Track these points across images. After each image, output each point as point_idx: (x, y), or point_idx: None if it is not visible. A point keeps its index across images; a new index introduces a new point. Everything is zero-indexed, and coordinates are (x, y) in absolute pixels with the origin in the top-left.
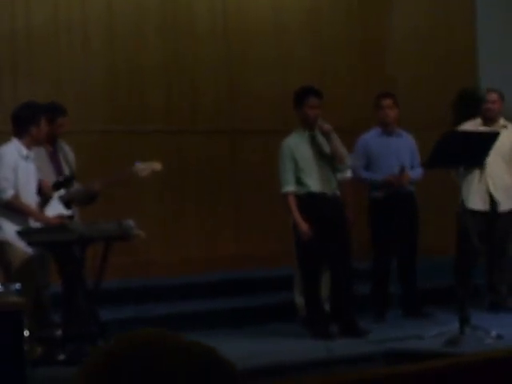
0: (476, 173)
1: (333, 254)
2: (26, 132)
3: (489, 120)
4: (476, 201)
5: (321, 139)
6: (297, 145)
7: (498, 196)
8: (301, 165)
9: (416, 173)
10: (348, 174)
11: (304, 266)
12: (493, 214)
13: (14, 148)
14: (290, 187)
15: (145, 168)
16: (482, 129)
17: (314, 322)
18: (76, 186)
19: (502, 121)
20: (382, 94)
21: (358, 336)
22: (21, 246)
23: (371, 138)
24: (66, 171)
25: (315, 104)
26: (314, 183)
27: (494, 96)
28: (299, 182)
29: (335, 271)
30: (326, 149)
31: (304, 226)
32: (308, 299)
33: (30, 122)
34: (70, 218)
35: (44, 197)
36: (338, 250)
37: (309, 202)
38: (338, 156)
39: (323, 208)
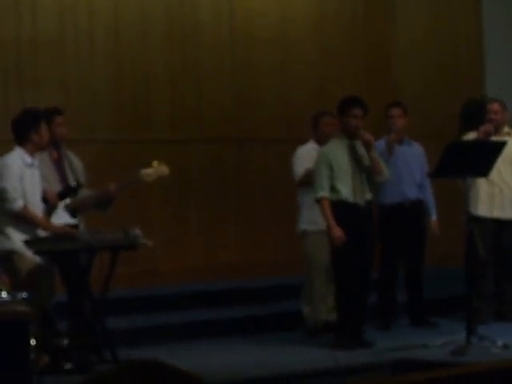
0: (484, 180)
1: (357, 264)
2: (28, 139)
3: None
4: (484, 208)
5: (360, 150)
6: (334, 152)
7: (506, 203)
8: (336, 172)
9: (428, 195)
10: None
11: (338, 273)
12: (501, 221)
13: (18, 157)
14: (325, 193)
15: (152, 173)
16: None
17: (344, 331)
18: (87, 193)
19: (506, 129)
20: (391, 104)
21: (363, 346)
22: (29, 255)
23: (380, 146)
24: (71, 179)
25: (358, 114)
26: (347, 192)
27: (496, 106)
28: (333, 189)
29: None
30: (364, 160)
31: (338, 231)
32: (342, 308)
33: (30, 128)
34: (75, 226)
35: (49, 206)
36: (362, 260)
37: (340, 209)
38: (377, 168)
39: (354, 217)
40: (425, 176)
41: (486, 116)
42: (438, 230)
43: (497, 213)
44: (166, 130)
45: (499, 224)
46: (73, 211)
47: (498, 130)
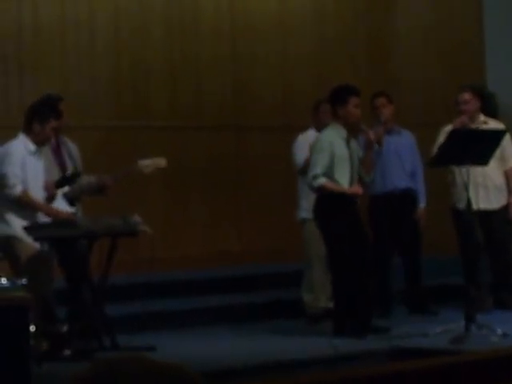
0: (466, 171)
1: (357, 253)
2: (30, 128)
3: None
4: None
5: (353, 143)
6: (337, 142)
7: (489, 193)
8: (337, 163)
9: (419, 183)
10: None
11: (335, 262)
12: (488, 212)
13: (22, 143)
14: (323, 179)
15: (149, 164)
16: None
17: (342, 319)
18: (87, 179)
19: (481, 117)
20: (375, 94)
21: (377, 333)
22: (29, 241)
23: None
24: (70, 167)
25: (359, 104)
26: (346, 183)
27: (466, 96)
28: (333, 179)
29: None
30: (357, 154)
31: (352, 189)
32: (338, 296)
33: (34, 118)
34: (74, 215)
35: (47, 195)
36: (361, 249)
37: (339, 200)
38: (370, 167)
39: (351, 208)
40: (417, 164)
41: (457, 107)
42: (425, 218)
43: (483, 204)
44: (166, 118)
45: (487, 215)
46: (71, 200)
47: (472, 119)
